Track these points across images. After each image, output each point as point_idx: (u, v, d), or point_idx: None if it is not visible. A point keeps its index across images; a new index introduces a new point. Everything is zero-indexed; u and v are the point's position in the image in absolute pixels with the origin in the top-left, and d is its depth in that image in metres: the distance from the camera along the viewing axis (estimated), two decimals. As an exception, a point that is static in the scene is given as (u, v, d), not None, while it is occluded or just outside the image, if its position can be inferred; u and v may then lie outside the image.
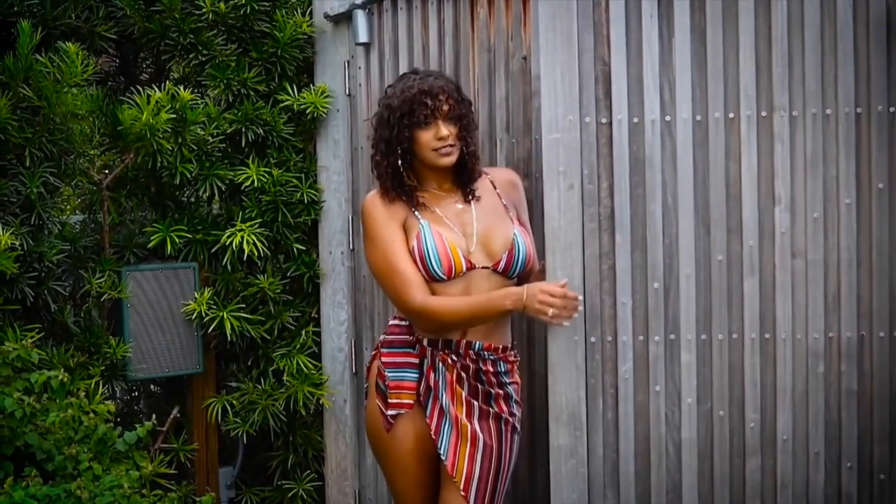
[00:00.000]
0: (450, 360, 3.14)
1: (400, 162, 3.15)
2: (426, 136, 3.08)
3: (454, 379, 3.14)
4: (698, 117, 2.85)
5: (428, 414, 3.16)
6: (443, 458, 3.10)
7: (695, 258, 2.87)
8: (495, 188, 3.26)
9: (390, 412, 3.18)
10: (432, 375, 3.15)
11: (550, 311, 2.89)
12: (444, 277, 3.07)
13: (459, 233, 3.14)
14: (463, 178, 3.21)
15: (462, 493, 3.07)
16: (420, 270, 3.08)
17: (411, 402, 3.18)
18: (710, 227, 2.86)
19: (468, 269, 3.08)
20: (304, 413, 4.08)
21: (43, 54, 3.58)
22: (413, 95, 3.08)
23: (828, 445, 2.85)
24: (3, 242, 3.28)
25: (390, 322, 3.27)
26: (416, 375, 3.19)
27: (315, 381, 4.07)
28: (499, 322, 3.17)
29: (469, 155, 3.17)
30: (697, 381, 2.88)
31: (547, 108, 2.95)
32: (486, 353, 3.15)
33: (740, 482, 2.87)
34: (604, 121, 2.91)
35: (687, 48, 2.85)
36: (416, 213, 3.14)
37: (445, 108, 3.08)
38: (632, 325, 2.91)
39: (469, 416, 3.12)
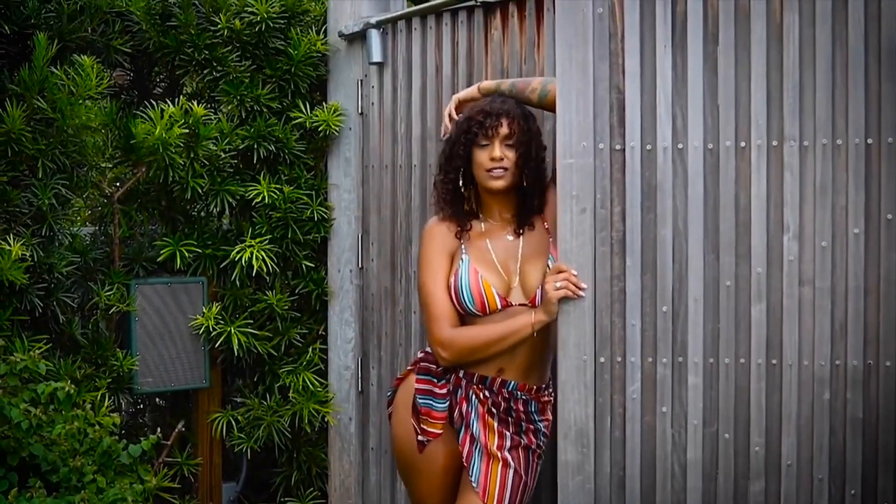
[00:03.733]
0: (482, 396, 3.31)
1: (462, 184, 3.31)
2: (482, 156, 3.24)
3: (485, 412, 3.31)
4: (710, 145, 2.95)
5: (459, 441, 3.32)
6: (474, 484, 3.24)
7: (703, 283, 2.96)
8: (542, 213, 3.40)
9: (420, 437, 3.35)
10: (465, 405, 3.31)
11: (559, 285, 3.06)
12: (479, 314, 3.25)
13: (502, 270, 3.29)
14: (523, 210, 3.34)
15: None
16: (455, 305, 3.26)
17: (438, 431, 3.34)
18: (720, 253, 2.95)
19: (503, 308, 3.25)
20: (308, 430, 4.19)
21: (58, 67, 3.68)
22: (474, 114, 3.24)
23: (832, 472, 2.90)
24: (13, 253, 3.38)
25: (427, 349, 3.41)
26: (444, 405, 3.34)
27: (321, 399, 4.18)
28: (538, 361, 3.34)
29: (528, 185, 3.30)
30: (704, 403, 2.98)
31: (562, 133, 3.08)
32: (519, 392, 3.32)
33: (744, 504, 2.97)
34: (617, 147, 3.03)
35: (700, 78, 2.95)
36: (464, 246, 3.30)
37: (504, 130, 3.23)
38: (640, 346, 3.02)
39: (500, 446, 3.29)
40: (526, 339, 3.22)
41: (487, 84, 3.45)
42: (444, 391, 3.36)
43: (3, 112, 3.54)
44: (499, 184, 3.27)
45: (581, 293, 3.06)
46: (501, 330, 3.21)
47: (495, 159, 3.24)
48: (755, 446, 2.96)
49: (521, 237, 3.35)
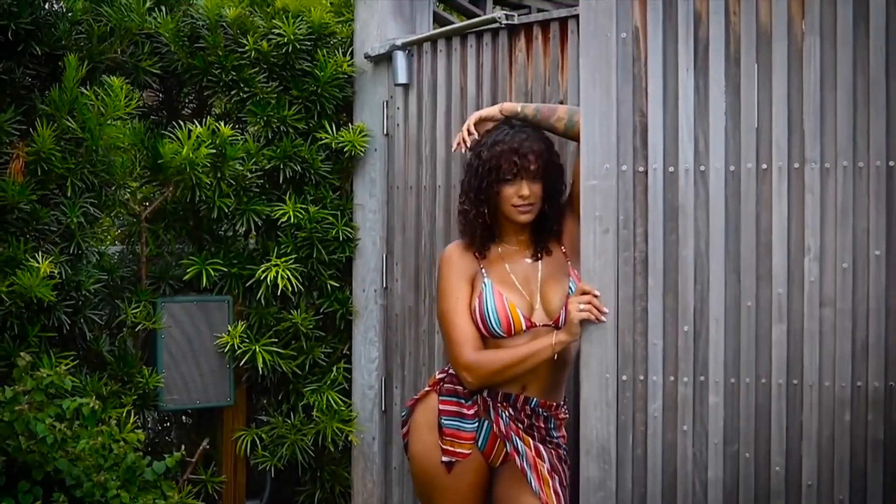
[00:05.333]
0: (509, 412, 3.38)
1: (487, 214, 3.36)
2: (509, 192, 3.31)
3: (518, 429, 3.39)
4: (731, 167, 3.00)
5: (508, 454, 3.38)
6: (537, 491, 3.29)
7: (724, 303, 3.01)
8: (559, 239, 3.47)
9: (445, 458, 3.39)
10: (501, 423, 3.38)
11: (582, 307, 3.12)
12: (504, 336, 3.32)
13: (523, 291, 3.37)
14: (540, 235, 3.42)
15: None
16: (480, 328, 3.32)
17: (468, 452, 3.39)
18: (741, 274, 2.99)
19: (528, 328, 3.32)
20: (332, 449, 4.25)
21: (88, 87, 3.76)
22: (501, 151, 3.30)
23: (853, 493, 2.91)
24: (42, 271, 3.44)
25: (450, 371, 3.46)
26: (473, 426, 3.40)
27: (344, 418, 4.24)
28: (559, 379, 3.42)
29: (550, 214, 3.39)
30: (725, 422, 3.01)
31: (585, 155, 3.14)
32: (540, 409, 3.40)
33: (765, 524, 3.00)
34: (640, 169, 3.09)
35: (721, 101, 3.00)
36: (483, 270, 3.37)
37: (533, 167, 3.30)
38: (662, 365, 3.07)
39: (539, 455, 3.36)
40: (547, 360, 3.28)
41: (510, 106, 3.50)
42: (473, 412, 3.42)
43: (33, 132, 3.62)
44: (526, 217, 3.36)
45: (603, 318, 3.12)
46: (523, 352, 3.28)
47: (524, 197, 3.32)
48: (776, 466, 2.99)
49: (539, 261, 3.43)
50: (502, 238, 3.46)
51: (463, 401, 3.42)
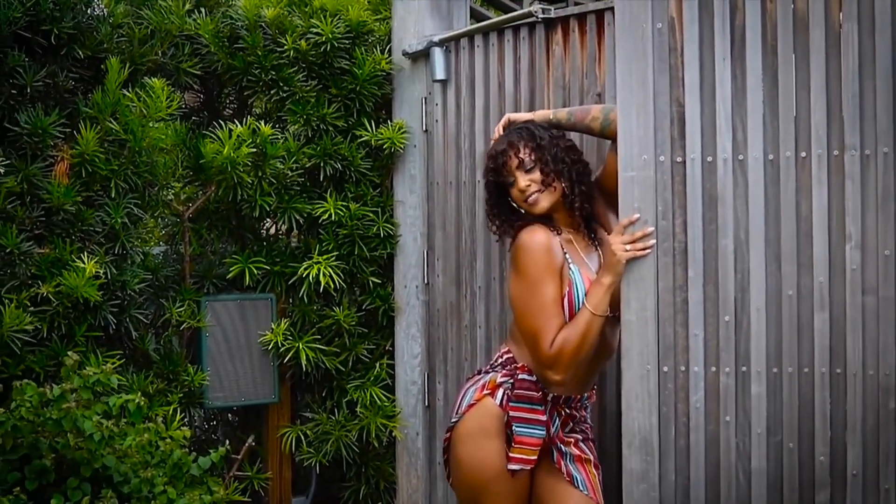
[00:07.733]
0: (564, 413, 3.43)
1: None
2: (514, 193, 3.38)
3: (561, 425, 3.43)
4: (770, 156, 3.00)
5: (555, 461, 3.40)
6: (586, 493, 3.34)
7: (765, 292, 3.01)
8: (606, 227, 3.50)
9: (513, 466, 3.34)
10: (551, 428, 3.40)
11: (628, 248, 3.15)
12: None
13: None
14: (578, 213, 3.42)
15: None
16: (566, 317, 3.30)
17: (535, 458, 3.36)
18: (781, 263, 2.99)
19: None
20: (376, 445, 4.27)
21: (130, 89, 3.80)
22: (486, 165, 3.42)
23: None
24: (88, 271, 3.48)
25: (520, 376, 3.39)
26: (542, 432, 3.37)
27: (388, 413, 4.26)
28: (599, 371, 3.50)
29: (569, 191, 3.37)
30: (768, 412, 3.01)
31: (623, 146, 3.16)
32: (587, 402, 3.50)
33: (810, 514, 2.99)
34: (678, 159, 3.10)
35: (759, 89, 3.00)
36: (569, 257, 3.34)
37: (514, 162, 3.34)
38: (703, 356, 3.07)
39: (578, 448, 3.42)
40: (606, 308, 3.27)
41: (542, 113, 3.53)
42: (545, 417, 3.39)
43: (77, 134, 3.66)
44: (540, 206, 3.37)
45: (648, 251, 3.14)
46: (583, 317, 3.25)
47: (523, 190, 3.36)
48: (820, 456, 2.98)
49: (597, 249, 3.44)
50: (559, 226, 3.45)
51: (537, 406, 3.39)
